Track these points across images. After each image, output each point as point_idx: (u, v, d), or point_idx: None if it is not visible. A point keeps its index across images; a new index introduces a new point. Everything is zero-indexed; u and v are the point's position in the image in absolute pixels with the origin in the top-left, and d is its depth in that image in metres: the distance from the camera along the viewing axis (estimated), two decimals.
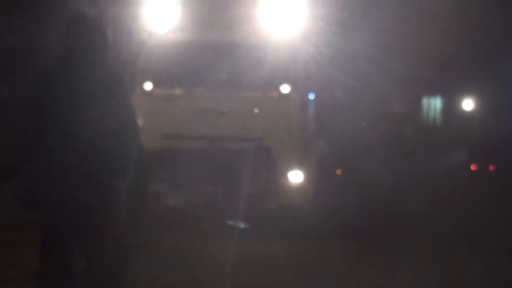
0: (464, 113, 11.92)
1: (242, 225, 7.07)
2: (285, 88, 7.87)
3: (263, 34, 8.05)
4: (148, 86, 8.05)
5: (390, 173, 9.14)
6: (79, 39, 3.67)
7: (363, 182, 8.77)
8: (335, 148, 9.06)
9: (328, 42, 8.49)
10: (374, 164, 9.30)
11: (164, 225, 6.93)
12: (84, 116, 3.55)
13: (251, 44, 7.97)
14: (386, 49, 9.96)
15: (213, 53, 8.05)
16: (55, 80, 3.59)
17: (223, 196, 7.72)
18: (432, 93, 12.03)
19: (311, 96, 8.91)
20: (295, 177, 7.91)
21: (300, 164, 7.94)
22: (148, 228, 4.45)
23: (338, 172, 9.80)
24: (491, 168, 11.82)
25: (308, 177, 7.99)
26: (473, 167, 11.48)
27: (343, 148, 9.37)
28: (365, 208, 7.74)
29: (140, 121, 7.93)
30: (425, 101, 12.35)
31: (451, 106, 12.04)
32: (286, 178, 7.89)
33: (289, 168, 7.88)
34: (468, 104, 11.97)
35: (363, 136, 9.73)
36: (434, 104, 12.26)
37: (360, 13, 9.90)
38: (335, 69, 8.62)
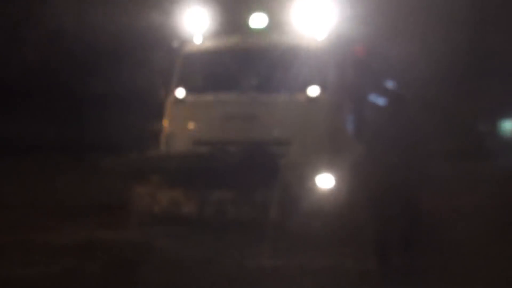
0: None
1: None
2: (313, 91, 7.76)
3: (292, 37, 8.03)
4: (180, 93, 8.23)
5: None
6: None
7: None
8: None
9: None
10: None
11: None
12: None
13: (280, 48, 7.95)
14: None
15: (242, 58, 8.16)
16: None
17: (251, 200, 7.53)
18: None
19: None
20: (325, 182, 7.70)
21: (331, 168, 7.72)
22: None
23: None
24: None
25: (340, 182, 7.79)
26: None
27: None
28: None
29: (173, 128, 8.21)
30: None
31: None
32: (314, 182, 7.69)
33: (318, 172, 7.67)
34: None
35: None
36: None
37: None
38: None
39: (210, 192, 7.51)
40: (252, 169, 7.37)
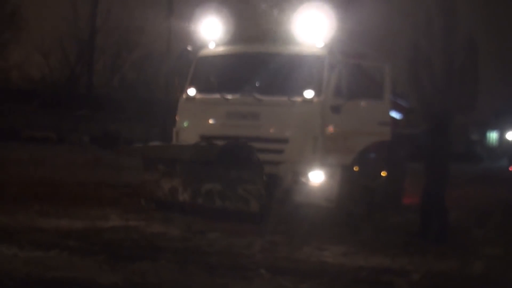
0: None
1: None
2: (308, 94, 8.31)
3: (292, 46, 8.66)
4: (191, 92, 8.99)
5: None
6: None
7: None
8: None
9: None
10: None
11: None
12: None
13: (281, 55, 8.65)
14: None
15: (248, 63, 8.87)
16: None
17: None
18: None
19: None
20: (316, 177, 8.18)
21: (322, 165, 8.21)
22: None
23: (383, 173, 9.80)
24: None
25: (330, 177, 8.20)
26: None
27: None
28: None
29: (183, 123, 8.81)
30: None
31: None
32: (307, 178, 8.19)
33: (311, 168, 8.20)
34: None
35: None
36: None
37: None
38: None
39: (201, 183, 8.07)
40: (236, 163, 7.80)
